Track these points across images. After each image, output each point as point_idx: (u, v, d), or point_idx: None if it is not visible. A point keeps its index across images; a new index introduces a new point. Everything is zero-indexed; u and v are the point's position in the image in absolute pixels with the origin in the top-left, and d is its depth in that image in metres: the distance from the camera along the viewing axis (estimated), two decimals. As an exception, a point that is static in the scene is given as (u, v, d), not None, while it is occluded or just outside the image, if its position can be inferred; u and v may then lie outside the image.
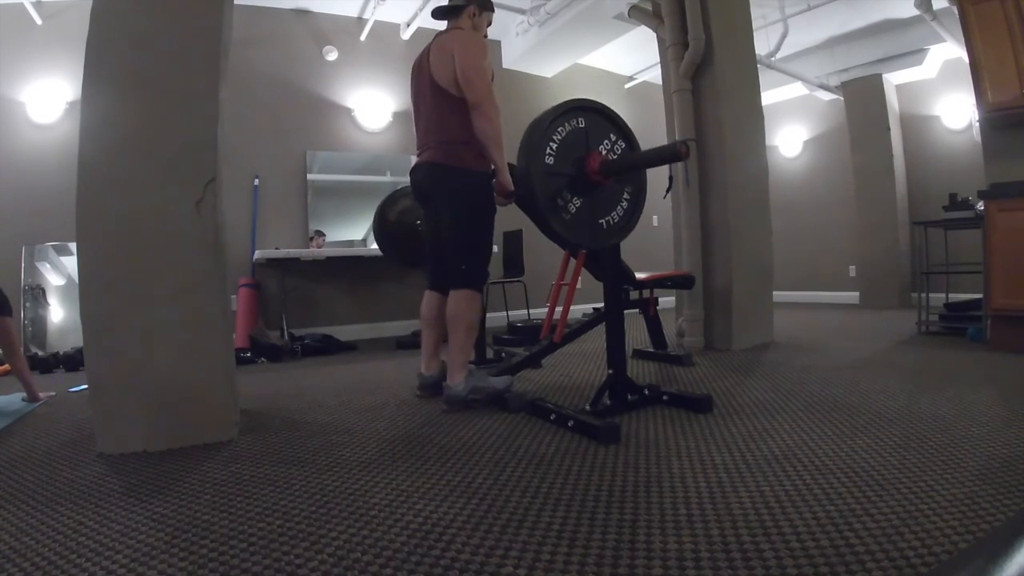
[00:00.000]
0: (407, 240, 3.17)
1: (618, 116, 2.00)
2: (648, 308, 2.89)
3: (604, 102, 2.03)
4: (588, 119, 1.91)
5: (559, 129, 1.83)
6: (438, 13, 2.23)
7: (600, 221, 1.93)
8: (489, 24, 2.30)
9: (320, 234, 4.59)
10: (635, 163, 1.95)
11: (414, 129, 2.26)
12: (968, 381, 2.17)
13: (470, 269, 2.09)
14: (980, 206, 3.04)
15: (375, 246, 4.77)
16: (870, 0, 4.64)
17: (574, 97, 2.00)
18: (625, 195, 2.01)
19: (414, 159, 2.26)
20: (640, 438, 1.64)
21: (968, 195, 3.49)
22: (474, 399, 2.09)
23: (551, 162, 1.80)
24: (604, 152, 1.92)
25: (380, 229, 3.31)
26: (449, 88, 2.04)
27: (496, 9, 2.40)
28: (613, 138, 1.97)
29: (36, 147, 3.86)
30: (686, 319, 3.33)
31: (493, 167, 2.11)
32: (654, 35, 3.70)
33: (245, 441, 1.78)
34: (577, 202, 1.86)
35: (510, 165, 2.12)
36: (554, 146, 1.81)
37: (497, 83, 2.22)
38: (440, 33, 2.16)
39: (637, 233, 2.18)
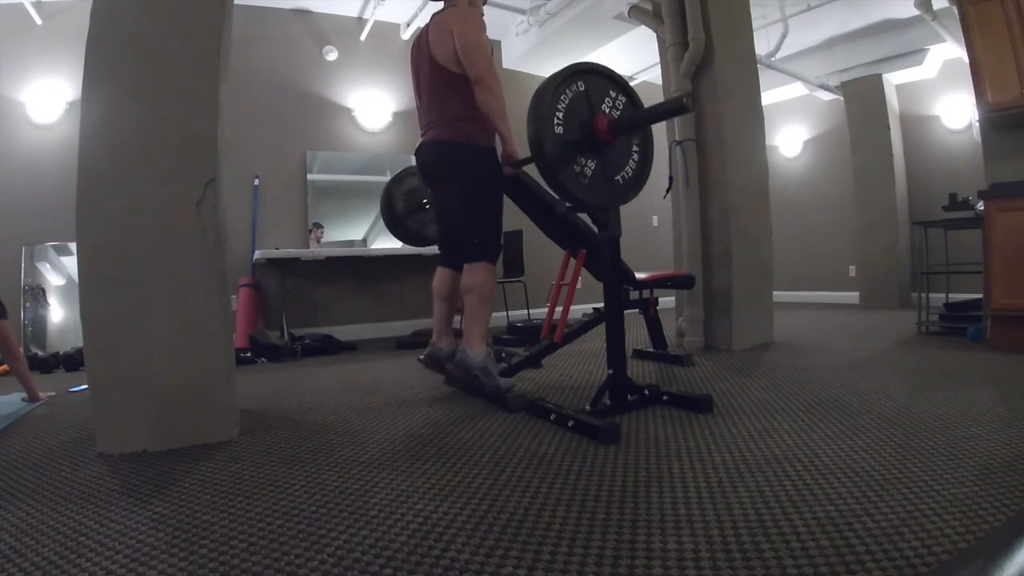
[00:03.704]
0: (414, 218, 3.16)
1: (613, 72, 1.98)
2: (648, 308, 2.89)
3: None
4: (586, 81, 1.90)
5: (562, 98, 1.83)
6: None
7: (616, 178, 1.95)
8: (486, 2, 2.29)
9: (318, 226, 4.58)
10: (643, 119, 1.95)
11: (417, 110, 2.25)
12: (968, 381, 2.17)
13: (482, 242, 2.10)
14: (980, 206, 3.04)
15: (375, 246, 4.80)
16: (870, 0, 4.63)
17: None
18: (634, 147, 2.03)
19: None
20: (640, 438, 1.64)
21: (968, 195, 3.49)
22: (479, 377, 2.09)
23: (560, 131, 1.80)
24: (607, 110, 1.93)
25: (387, 209, 3.28)
26: (449, 66, 2.04)
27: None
28: (613, 95, 1.96)
29: (36, 147, 3.86)
30: (686, 319, 3.33)
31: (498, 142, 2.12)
32: (654, 35, 3.70)
33: (245, 441, 1.78)
34: (592, 164, 1.87)
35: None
36: (560, 115, 1.81)
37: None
38: (437, 12, 2.16)
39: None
